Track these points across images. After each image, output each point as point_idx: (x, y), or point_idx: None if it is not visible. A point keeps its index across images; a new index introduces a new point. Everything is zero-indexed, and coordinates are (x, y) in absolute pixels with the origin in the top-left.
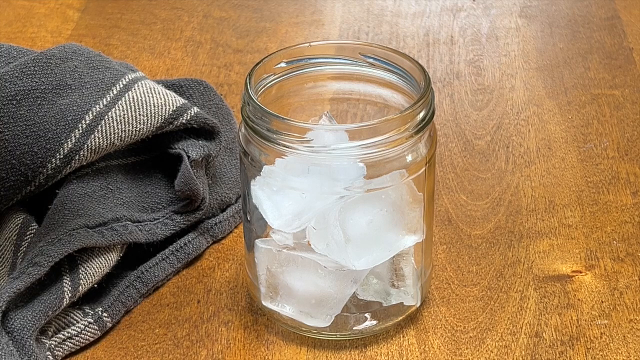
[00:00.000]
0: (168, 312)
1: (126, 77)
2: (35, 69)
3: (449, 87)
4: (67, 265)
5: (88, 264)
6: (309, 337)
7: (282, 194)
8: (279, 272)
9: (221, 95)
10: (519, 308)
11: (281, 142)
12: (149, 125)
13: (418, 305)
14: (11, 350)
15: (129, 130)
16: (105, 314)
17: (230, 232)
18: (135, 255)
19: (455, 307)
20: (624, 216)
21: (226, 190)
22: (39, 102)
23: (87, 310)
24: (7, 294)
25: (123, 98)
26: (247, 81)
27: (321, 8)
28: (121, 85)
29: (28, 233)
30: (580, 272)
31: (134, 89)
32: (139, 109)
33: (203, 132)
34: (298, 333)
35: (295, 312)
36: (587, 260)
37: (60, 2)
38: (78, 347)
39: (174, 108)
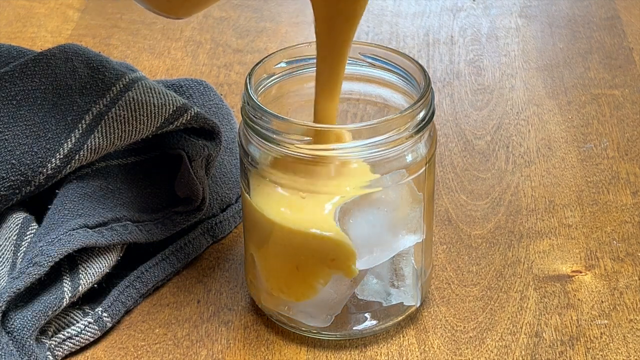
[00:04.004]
0: (168, 312)
1: (126, 77)
2: (35, 69)
3: (449, 87)
4: (67, 265)
5: (88, 264)
6: (309, 337)
7: None
8: None
9: (221, 95)
10: (519, 308)
11: (281, 142)
12: (149, 125)
13: (418, 305)
14: (11, 350)
15: (129, 130)
16: (105, 314)
17: (230, 232)
18: (135, 255)
19: (455, 307)
20: (624, 216)
21: (226, 190)
22: (39, 102)
23: (87, 310)
24: (7, 294)
25: (123, 98)
26: (247, 81)
27: None
28: (121, 85)
29: (28, 233)
30: (580, 272)
31: (134, 89)
32: (139, 109)
33: (203, 132)
34: (298, 333)
35: (295, 312)
36: (587, 260)
37: (60, 2)
38: (78, 347)
39: (174, 108)
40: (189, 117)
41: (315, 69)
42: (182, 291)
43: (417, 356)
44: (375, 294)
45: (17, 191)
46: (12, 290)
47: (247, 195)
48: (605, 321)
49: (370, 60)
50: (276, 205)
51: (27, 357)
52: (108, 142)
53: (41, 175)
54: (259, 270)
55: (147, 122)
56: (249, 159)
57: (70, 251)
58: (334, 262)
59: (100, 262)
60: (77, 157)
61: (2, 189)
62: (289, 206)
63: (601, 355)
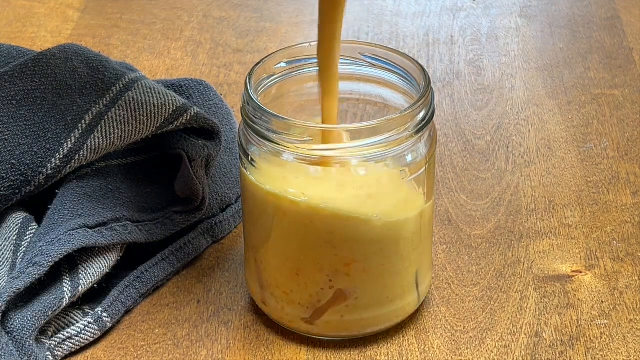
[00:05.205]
0: (168, 312)
1: (126, 77)
2: (35, 69)
3: (449, 87)
4: (67, 265)
5: (88, 264)
6: (309, 337)
7: None
8: None
9: (221, 95)
10: (519, 308)
11: (281, 142)
12: (149, 125)
13: (418, 305)
14: (11, 350)
15: (129, 130)
16: (105, 314)
17: (230, 232)
18: (135, 255)
19: (455, 307)
20: (624, 216)
21: (226, 190)
22: (39, 102)
23: (87, 310)
24: (7, 294)
25: (123, 98)
26: (247, 81)
27: None
28: (121, 85)
29: (28, 233)
30: (580, 272)
31: (134, 89)
32: (139, 109)
33: (203, 132)
34: (298, 333)
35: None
36: (587, 260)
37: (60, 2)
38: (78, 347)
39: (174, 108)
40: (189, 117)
41: (315, 68)
42: (182, 291)
43: (417, 356)
44: None
45: (17, 191)
46: (12, 290)
47: (248, 175)
48: (605, 321)
49: (370, 60)
50: (280, 185)
51: (27, 357)
52: (108, 142)
53: (41, 175)
54: (259, 273)
55: (147, 122)
56: (249, 159)
57: (70, 251)
58: (348, 266)
59: (100, 262)
60: (77, 157)
61: (2, 189)
62: (295, 188)
63: (601, 355)
